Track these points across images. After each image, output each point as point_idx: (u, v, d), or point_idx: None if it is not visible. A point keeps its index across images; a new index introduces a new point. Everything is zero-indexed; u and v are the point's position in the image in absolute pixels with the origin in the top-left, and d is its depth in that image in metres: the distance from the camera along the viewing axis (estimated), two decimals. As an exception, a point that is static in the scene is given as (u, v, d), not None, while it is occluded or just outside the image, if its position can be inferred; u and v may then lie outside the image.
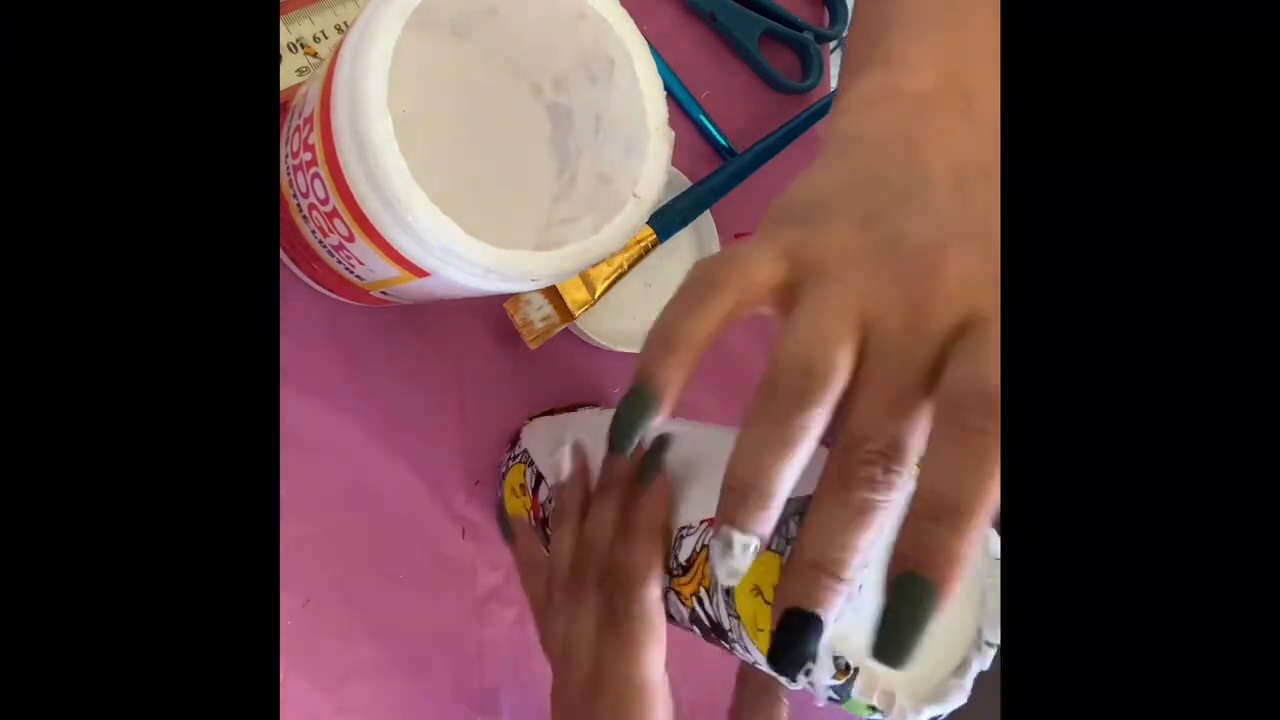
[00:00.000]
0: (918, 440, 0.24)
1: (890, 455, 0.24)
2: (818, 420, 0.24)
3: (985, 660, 0.30)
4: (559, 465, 0.40)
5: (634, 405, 0.27)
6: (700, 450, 0.37)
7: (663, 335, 0.27)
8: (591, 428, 0.44)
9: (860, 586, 0.29)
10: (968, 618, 0.30)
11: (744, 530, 0.25)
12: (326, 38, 0.42)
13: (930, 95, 0.28)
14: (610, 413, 0.26)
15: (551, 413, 0.48)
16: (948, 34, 0.30)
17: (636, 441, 0.27)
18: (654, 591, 0.34)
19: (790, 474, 0.25)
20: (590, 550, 0.36)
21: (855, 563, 0.24)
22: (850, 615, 0.29)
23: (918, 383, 0.24)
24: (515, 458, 0.46)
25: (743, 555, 0.25)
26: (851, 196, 0.27)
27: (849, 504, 0.24)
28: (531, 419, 0.48)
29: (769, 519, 0.25)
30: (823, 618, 0.24)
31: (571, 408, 0.48)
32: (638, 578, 0.34)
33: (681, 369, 0.27)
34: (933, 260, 0.24)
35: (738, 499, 0.25)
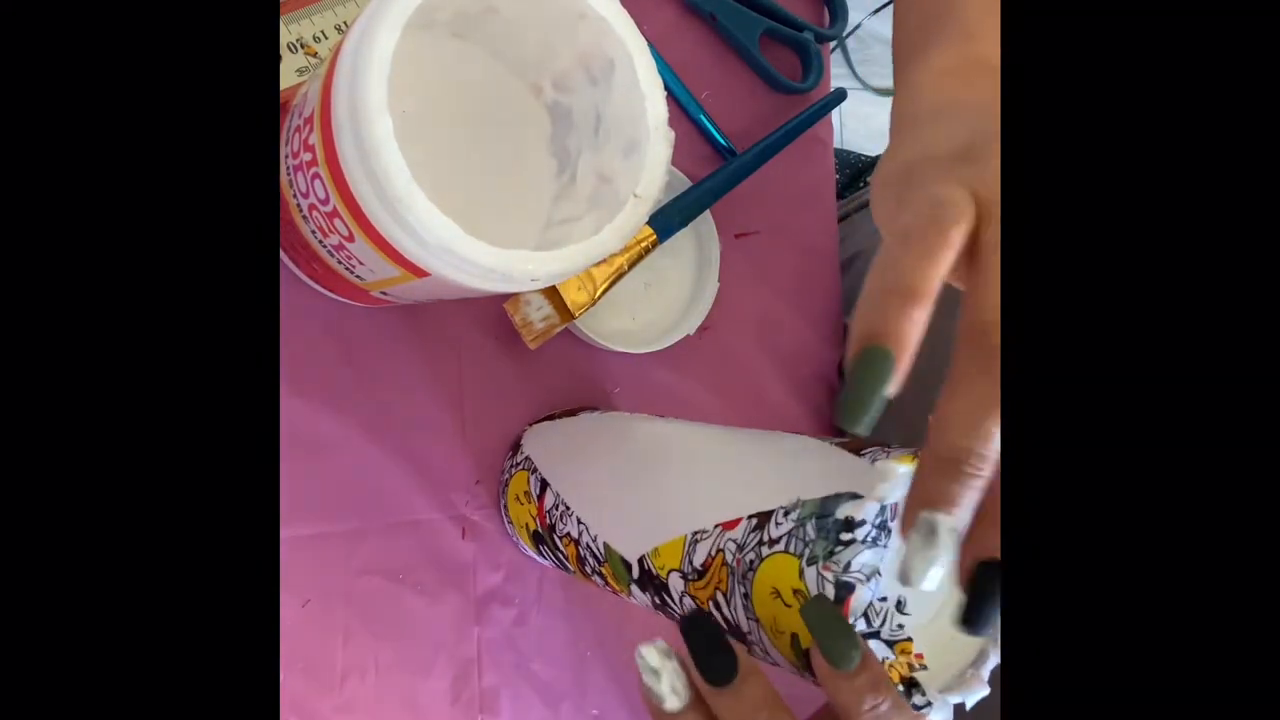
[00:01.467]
0: None
1: None
2: None
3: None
4: (669, 691, 0.28)
5: (871, 368, 0.23)
6: (710, 449, 0.37)
7: (895, 288, 0.24)
8: (594, 444, 0.44)
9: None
10: None
11: (950, 509, 0.23)
12: (326, 38, 0.42)
13: None
14: (613, 416, 0.25)
15: (552, 418, 0.48)
16: None
17: (876, 416, 0.24)
18: None
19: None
20: None
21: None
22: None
23: None
24: (517, 465, 0.46)
25: (949, 542, 0.23)
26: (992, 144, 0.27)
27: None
28: (532, 425, 0.48)
29: (976, 490, 0.23)
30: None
31: (572, 412, 0.48)
32: None
33: (919, 323, 0.24)
34: None
35: (945, 471, 0.23)
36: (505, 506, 0.47)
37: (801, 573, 0.27)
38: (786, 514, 0.29)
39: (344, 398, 0.44)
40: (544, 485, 0.43)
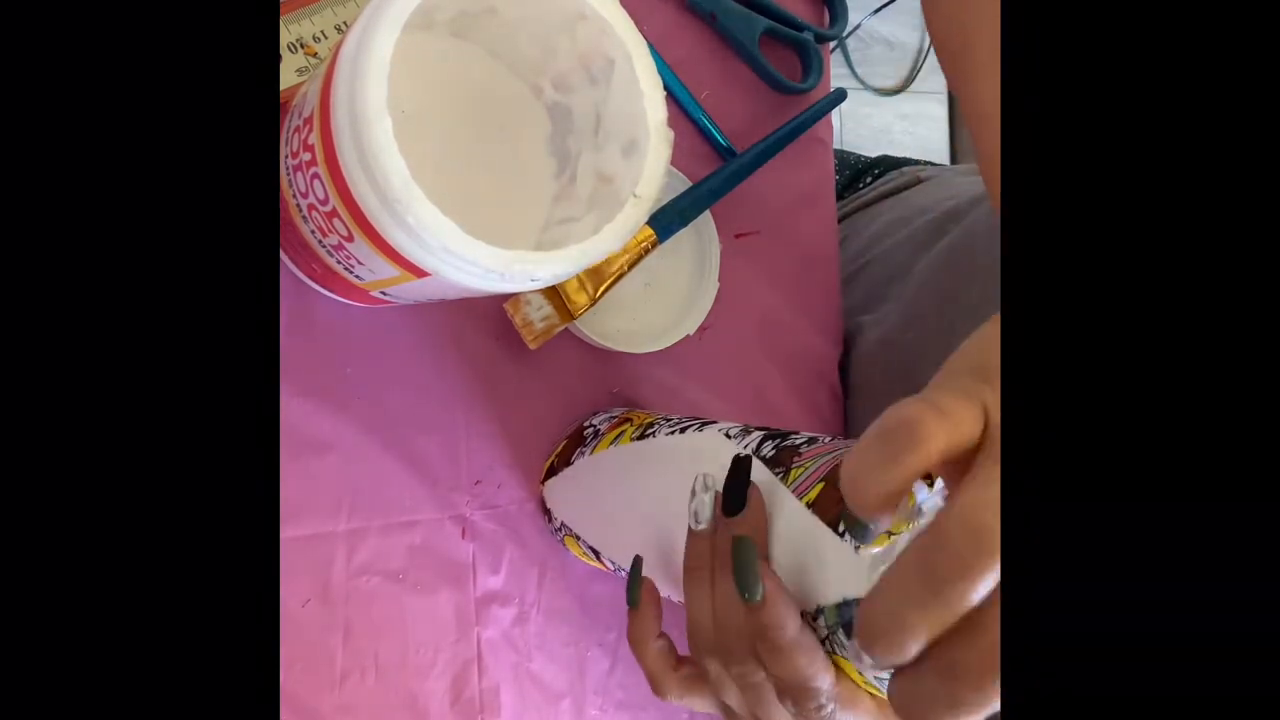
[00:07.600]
0: None
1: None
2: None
3: None
4: (697, 511, 0.35)
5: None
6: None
7: (854, 484, 0.24)
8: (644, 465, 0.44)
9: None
10: None
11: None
12: (326, 38, 0.42)
13: None
14: (606, 460, 0.25)
15: (553, 469, 0.48)
16: None
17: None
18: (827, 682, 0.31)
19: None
20: (728, 626, 0.33)
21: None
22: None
23: None
24: (560, 530, 0.47)
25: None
26: None
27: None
28: (543, 482, 0.48)
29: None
30: None
31: (564, 453, 0.48)
32: (810, 688, 0.31)
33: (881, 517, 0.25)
34: None
35: (869, 636, 0.24)
36: (576, 555, 0.47)
37: (862, 672, 0.29)
38: (815, 619, 0.30)
39: (344, 398, 0.44)
40: (597, 552, 0.44)
